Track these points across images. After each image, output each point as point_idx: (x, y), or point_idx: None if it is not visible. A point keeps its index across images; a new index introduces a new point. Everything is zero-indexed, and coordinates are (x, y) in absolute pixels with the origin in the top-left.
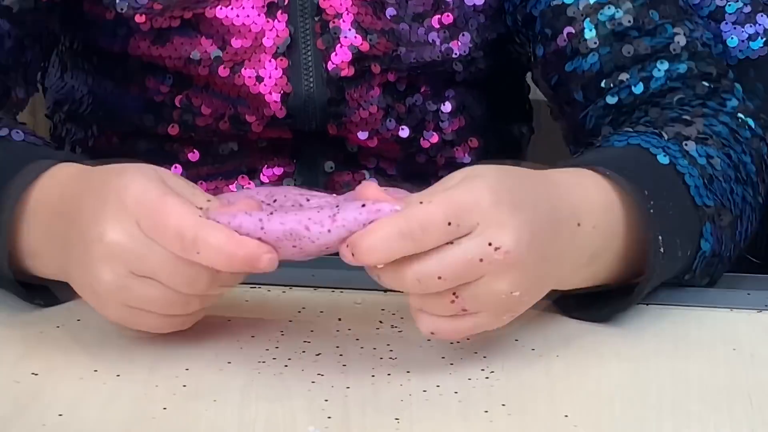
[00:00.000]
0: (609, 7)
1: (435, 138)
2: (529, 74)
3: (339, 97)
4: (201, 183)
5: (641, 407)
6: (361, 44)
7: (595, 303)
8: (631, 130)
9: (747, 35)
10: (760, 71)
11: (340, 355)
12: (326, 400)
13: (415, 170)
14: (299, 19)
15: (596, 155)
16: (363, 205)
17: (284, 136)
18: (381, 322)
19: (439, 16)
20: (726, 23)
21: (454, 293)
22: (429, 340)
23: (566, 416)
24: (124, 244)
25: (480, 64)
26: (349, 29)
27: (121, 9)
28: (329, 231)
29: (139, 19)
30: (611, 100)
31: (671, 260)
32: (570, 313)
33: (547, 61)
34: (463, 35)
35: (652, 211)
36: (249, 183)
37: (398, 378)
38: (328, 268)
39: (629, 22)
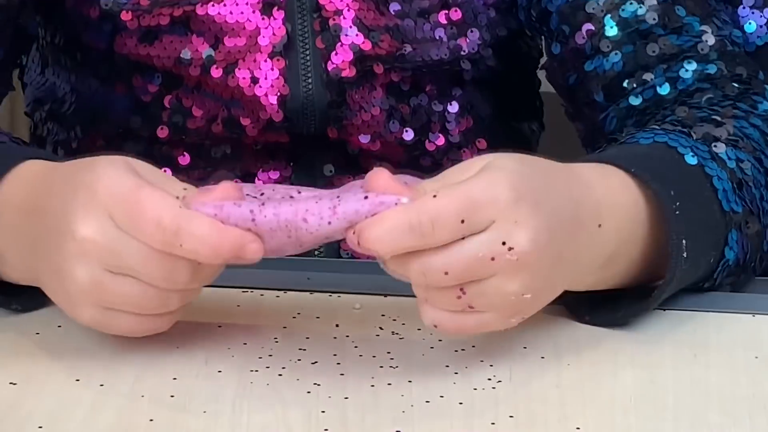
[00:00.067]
0: (631, 3)
1: (441, 140)
2: (539, 69)
3: (340, 99)
4: None
5: (658, 418)
6: (363, 43)
7: (609, 306)
8: (657, 127)
9: (766, 20)
10: None
11: (338, 363)
12: (323, 411)
13: (420, 174)
14: (297, 16)
15: (620, 151)
16: (366, 197)
17: (281, 140)
18: (381, 327)
19: (447, 11)
20: (743, 7)
21: (461, 289)
22: (432, 347)
23: (578, 428)
24: (98, 239)
25: (489, 61)
26: (350, 27)
27: (106, 5)
28: (329, 223)
29: (125, 16)
30: (635, 101)
31: (693, 266)
32: (581, 315)
33: (565, 59)
34: (471, 32)
35: (677, 213)
36: None
37: (399, 387)
38: (324, 271)
39: (654, 19)
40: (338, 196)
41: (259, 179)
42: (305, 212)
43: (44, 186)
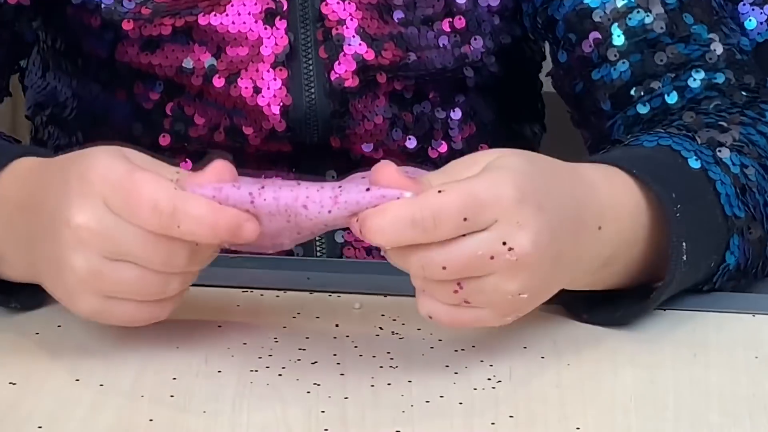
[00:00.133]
0: (638, 12)
1: (443, 147)
2: (539, 71)
3: (342, 108)
4: None
5: (658, 418)
6: (366, 52)
7: (608, 305)
8: (662, 130)
9: (766, 17)
10: None
11: (338, 363)
12: (323, 411)
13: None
14: (299, 26)
15: (624, 153)
16: (368, 189)
17: (284, 149)
18: (381, 327)
19: (450, 19)
20: (744, 4)
21: (458, 284)
22: (432, 347)
23: (578, 428)
24: (93, 226)
25: (492, 68)
26: (353, 36)
27: (107, 14)
28: (329, 212)
29: (127, 26)
30: (642, 109)
31: (693, 269)
32: (579, 314)
33: (571, 67)
34: (475, 39)
35: (678, 215)
36: None
37: (399, 387)
38: (324, 270)
39: (662, 28)
40: (340, 186)
41: None
42: (306, 199)
43: (38, 181)
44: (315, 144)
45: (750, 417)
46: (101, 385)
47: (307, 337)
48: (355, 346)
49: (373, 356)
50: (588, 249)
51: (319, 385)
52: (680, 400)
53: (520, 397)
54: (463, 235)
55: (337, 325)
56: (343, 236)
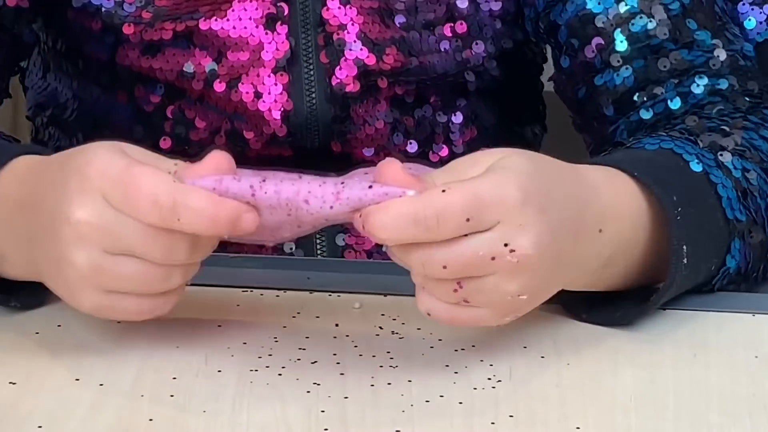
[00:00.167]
0: (641, 17)
1: (445, 151)
2: (540, 73)
3: (344, 114)
4: None
5: (658, 418)
6: (368, 57)
7: (607, 305)
8: (664, 134)
9: (766, 16)
10: None
11: (338, 362)
12: (323, 411)
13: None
14: (300, 31)
15: (626, 155)
16: (370, 186)
17: (284, 153)
18: (381, 327)
19: (452, 24)
20: (743, 4)
21: (458, 283)
22: (432, 346)
23: (578, 428)
24: (93, 221)
25: (494, 72)
26: (355, 41)
27: (108, 17)
28: (331, 207)
29: (127, 30)
30: (645, 114)
31: (693, 272)
32: (578, 313)
33: (574, 72)
34: (476, 44)
35: (679, 218)
36: None
37: (399, 387)
38: (324, 270)
39: (665, 34)
40: (343, 182)
41: None
42: (307, 194)
43: (38, 179)
44: (316, 148)
45: (750, 417)
46: (101, 384)
47: (307, 337)
48: (355, 346)
49: (373, 356)
50: (588, 251)
51: (319, 384)
52: (680, 400)
53: (520, 396)
54: (465, 235)
55: (337, 325)
56: (344, 239)
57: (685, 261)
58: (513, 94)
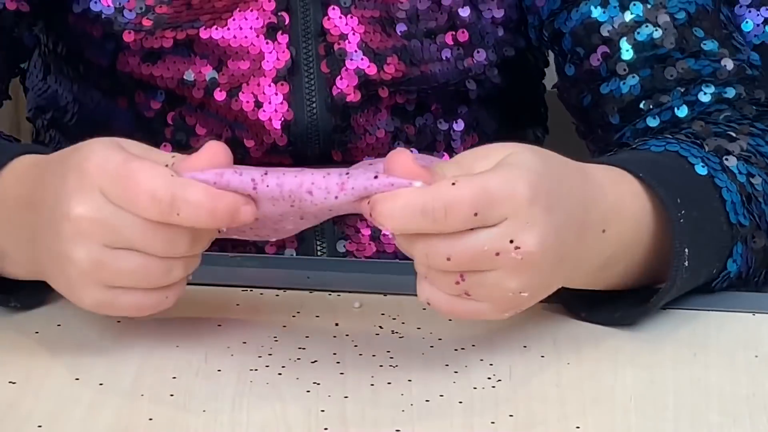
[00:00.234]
0: (647, 26)
1: (446, 159)
2: (542, 77)
3: (344, 123)
4: None
5: (658, 418)
6: (368, 67)
7: (607, 305)
8: (671, 137)
9: (763, 18)
10: None
11: (337, 362)
12: (323, 410)
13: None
14: (301, 40)
15: (631, 156)
16: (375, 176)
17: (285, 162)
18: (380, 326)
19: (453, 32)
20: (740, 6)
21: (461, 275)
22: (432, 346)
23: (578, 428)
24: (93, 217)
25: (495, 79)
26: (356, 51)
27: (108, 23)
28: (336, 198)
29: (128, 37)
30: (652, 122)
31: (694, 275)
32: (577, 312)
33: (579, 81)
34: (477, 52)
35: (681, 220)
36: None
37: (399, 386)
38: (324, 269)
39: (671, 43)
40: (347, 173)
41: None
42: (311, 185)
43: (37, 178)
44: (316, 157)
45: (750, 417)
46: (101, 383)
47: (307, 336)
48: (355, 345)
49: (373, 355)
50: (591, 250)
51: (318, 384)
52: (680, 399)
53: (520, 396)
54: (471, 229)
55: (336, 324)
56: (344, 246)
57: (686, 263)
58: (515, 99)
